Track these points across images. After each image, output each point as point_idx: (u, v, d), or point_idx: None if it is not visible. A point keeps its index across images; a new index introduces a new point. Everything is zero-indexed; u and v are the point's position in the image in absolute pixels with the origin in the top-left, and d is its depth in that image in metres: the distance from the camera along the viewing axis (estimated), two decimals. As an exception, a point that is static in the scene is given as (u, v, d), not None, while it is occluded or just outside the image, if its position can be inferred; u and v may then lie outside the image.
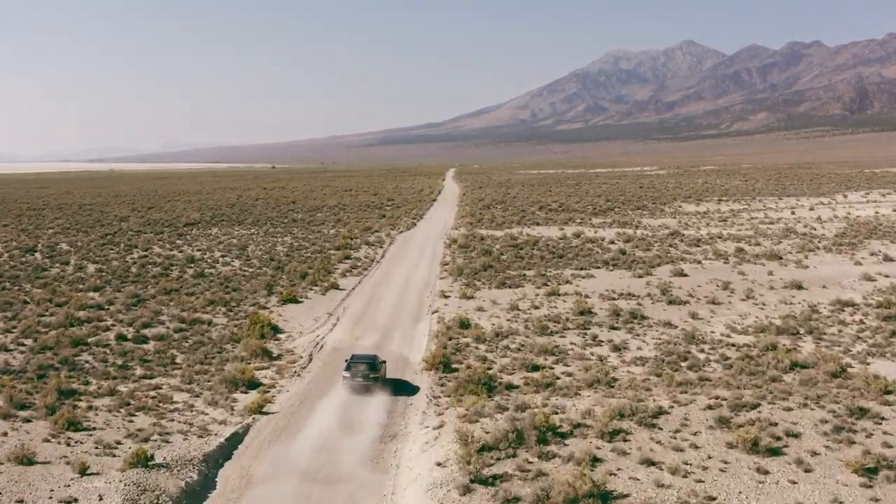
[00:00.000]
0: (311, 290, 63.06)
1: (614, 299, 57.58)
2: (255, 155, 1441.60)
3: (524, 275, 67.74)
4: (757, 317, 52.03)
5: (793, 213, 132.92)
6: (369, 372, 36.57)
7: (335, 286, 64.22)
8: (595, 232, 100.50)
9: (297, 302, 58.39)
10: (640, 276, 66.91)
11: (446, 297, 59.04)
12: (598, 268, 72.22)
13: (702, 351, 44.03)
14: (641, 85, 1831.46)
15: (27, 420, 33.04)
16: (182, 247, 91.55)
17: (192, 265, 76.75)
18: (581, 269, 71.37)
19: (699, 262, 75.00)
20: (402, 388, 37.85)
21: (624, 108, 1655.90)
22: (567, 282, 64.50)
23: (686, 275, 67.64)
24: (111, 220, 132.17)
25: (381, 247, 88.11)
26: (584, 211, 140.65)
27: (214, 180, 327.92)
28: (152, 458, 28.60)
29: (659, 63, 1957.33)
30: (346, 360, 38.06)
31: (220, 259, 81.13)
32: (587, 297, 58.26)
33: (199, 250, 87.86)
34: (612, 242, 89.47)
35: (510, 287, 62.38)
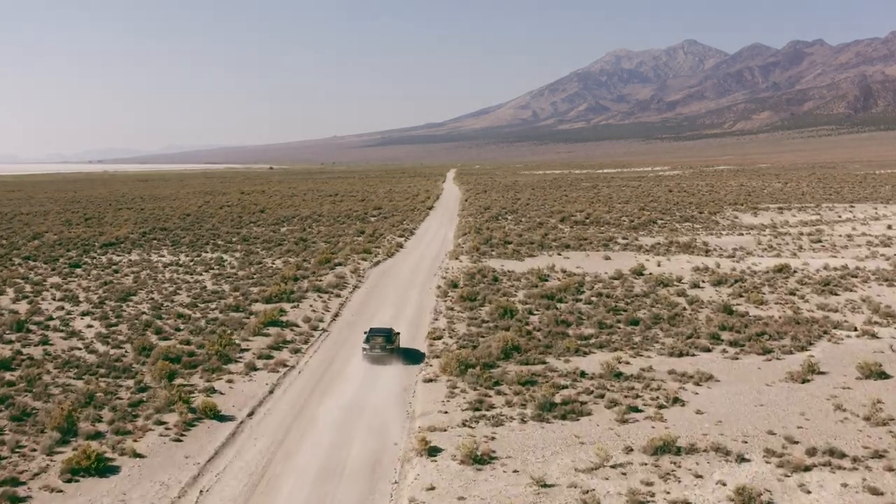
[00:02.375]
0: (162, 422, 30.68)
1: (805, 469, 25.30)
2: (255, 156, 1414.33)
3: (582, 373, 35.62)
4: None
5: (890, 227, 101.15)
6: (386, 343, 38.24)
7: (213, 411, 31.59)
8: (658, 264, 68.13)
9: (103, 473, 26.09)
10: (803, 381, 34.60)
11: (433, 455, 26.79)
12: (707, 350, 39.99)
13: None
14: (643, 84, 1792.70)
15: None
16: (48, 289, 59.82)
17: (17, 335, 44.82)
18: (679, 353, 39.06)
19: (873, 336, 42.68)
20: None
21: (626, 108, 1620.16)
22: (675, 399, 31.96)
23: (886, 374, 35.40)
24: (23, 237, 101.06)
25: (339, 296, 55.59)
26: (619, 224, 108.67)
27: (198, 183, 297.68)
28: None
29: (661, 62, 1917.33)
30: (365, 333, 40.02)
31: (77, 319, 49.15)
32: (744, 458, 26.02)
33: (62, 299, 55.88)
34: (696, 286, 57.07)
35: (564, 416, 30.08)
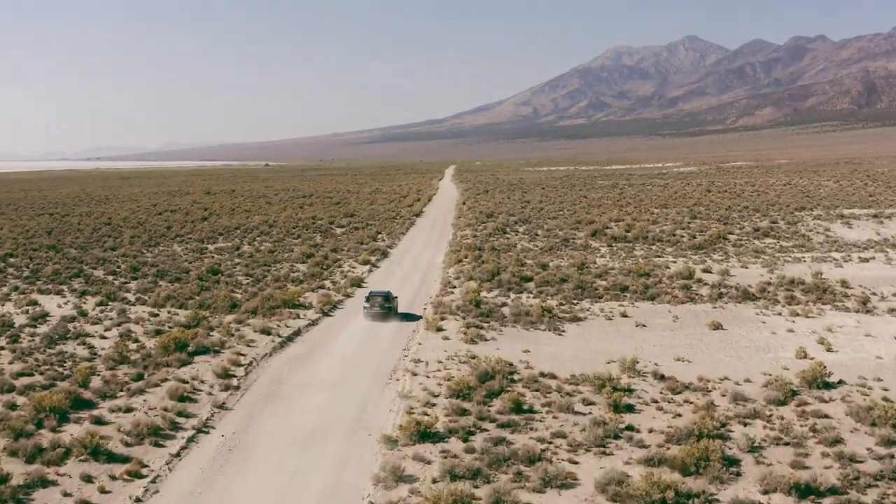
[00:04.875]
0: None
1: None
2: (257, 152, 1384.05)
3: None
4: None
5: None
6: (385, 303, 41.47)
7: None
8: (824, 345, 34.93)
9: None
10: None
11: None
12: None
13: None
14: (644, 81, 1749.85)
15: None
16: None
17: None
18: None
19: None
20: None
21: (627, 104, 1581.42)
22: None
23: None
24: None
25: (136, 474, 22.24)
26: (675, 241, 76.13)
27: (177, 182, 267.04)
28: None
29: (661, 58, 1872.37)
30: (366, 296, 42.86)
31: None
32: None
33: None
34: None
35: None
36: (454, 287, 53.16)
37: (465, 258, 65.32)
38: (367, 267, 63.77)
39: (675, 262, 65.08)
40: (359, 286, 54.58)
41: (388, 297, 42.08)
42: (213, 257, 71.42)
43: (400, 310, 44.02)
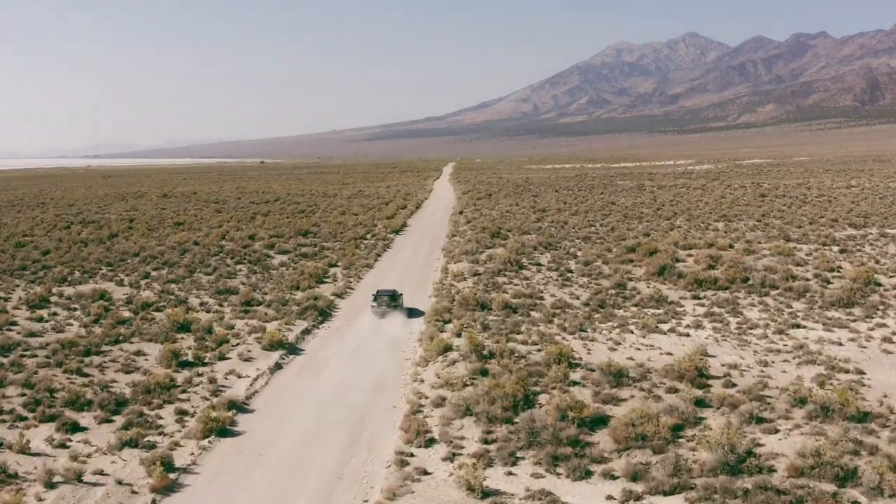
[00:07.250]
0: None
1: None
2: (256, 149, 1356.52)
3: None
4: None
5: None
6: (391, 301, 41.86)
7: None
8: None
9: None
10: None
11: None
12: None
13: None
14: (645, 78, 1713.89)
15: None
16: None
17: None
18: None
19: None
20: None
21: (627, 101, 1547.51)
22: None
23: None
24: None
25: None
26: (802, 291, 45.62)
27: (153, 181, 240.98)
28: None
29: (662, 55, 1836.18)
30: (373, 294, 43.06)
31: None
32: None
33: None
34: None
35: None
36: (431, 440, 23.41)
37: (459, 336, 35.41)
38: (276, 357, 33.72)
39: (834, 338, 35.26)
40: (222, 433, 24.65)
41: (393, 296, 42.15)
42: (50, 319, 41.71)
43: None
